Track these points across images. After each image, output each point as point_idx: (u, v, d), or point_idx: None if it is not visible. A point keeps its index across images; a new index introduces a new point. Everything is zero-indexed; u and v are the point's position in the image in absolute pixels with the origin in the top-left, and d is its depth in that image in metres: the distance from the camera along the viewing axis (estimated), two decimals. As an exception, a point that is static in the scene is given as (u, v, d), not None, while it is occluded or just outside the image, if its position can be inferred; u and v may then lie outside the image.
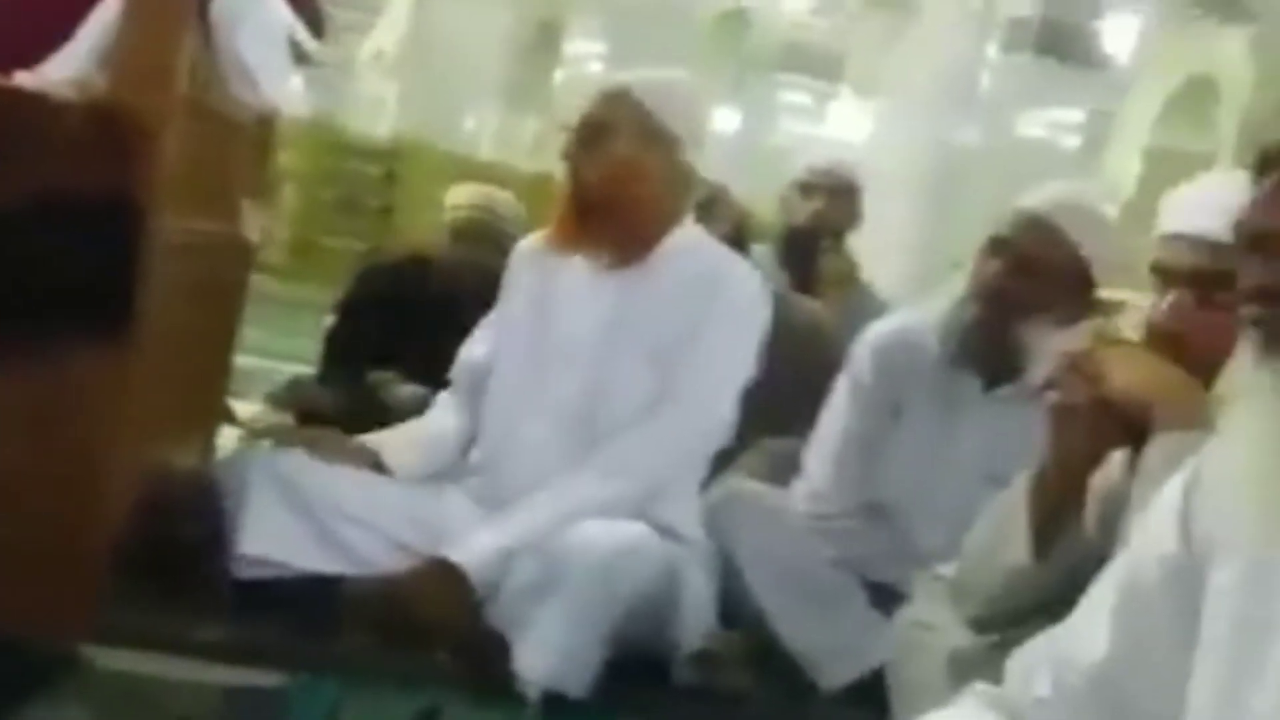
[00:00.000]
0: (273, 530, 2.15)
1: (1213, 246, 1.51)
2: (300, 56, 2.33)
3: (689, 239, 2.36)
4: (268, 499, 2.16)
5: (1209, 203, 1.52)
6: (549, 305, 2.36)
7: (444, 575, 2.10)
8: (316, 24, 2.44)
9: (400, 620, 2.08)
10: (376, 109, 12.48)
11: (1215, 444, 0.90)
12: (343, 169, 9.23)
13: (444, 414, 2.49)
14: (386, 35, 13.06)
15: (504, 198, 3.81)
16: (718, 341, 2.25)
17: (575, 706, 1.99)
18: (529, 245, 2.46)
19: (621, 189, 2.27)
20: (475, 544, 2.14)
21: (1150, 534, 1.05)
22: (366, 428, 2.52)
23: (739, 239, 3.06)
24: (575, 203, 2.33)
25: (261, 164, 2.80)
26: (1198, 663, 0.96)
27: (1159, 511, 1.05)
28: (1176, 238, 1.59)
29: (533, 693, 1.99)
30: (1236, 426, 0.87)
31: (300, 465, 2.25)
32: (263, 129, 2.61)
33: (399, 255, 4.32)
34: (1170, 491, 1.05)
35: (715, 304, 2.26)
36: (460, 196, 3.78)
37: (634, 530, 2.10)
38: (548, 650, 2.00)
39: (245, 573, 2.14)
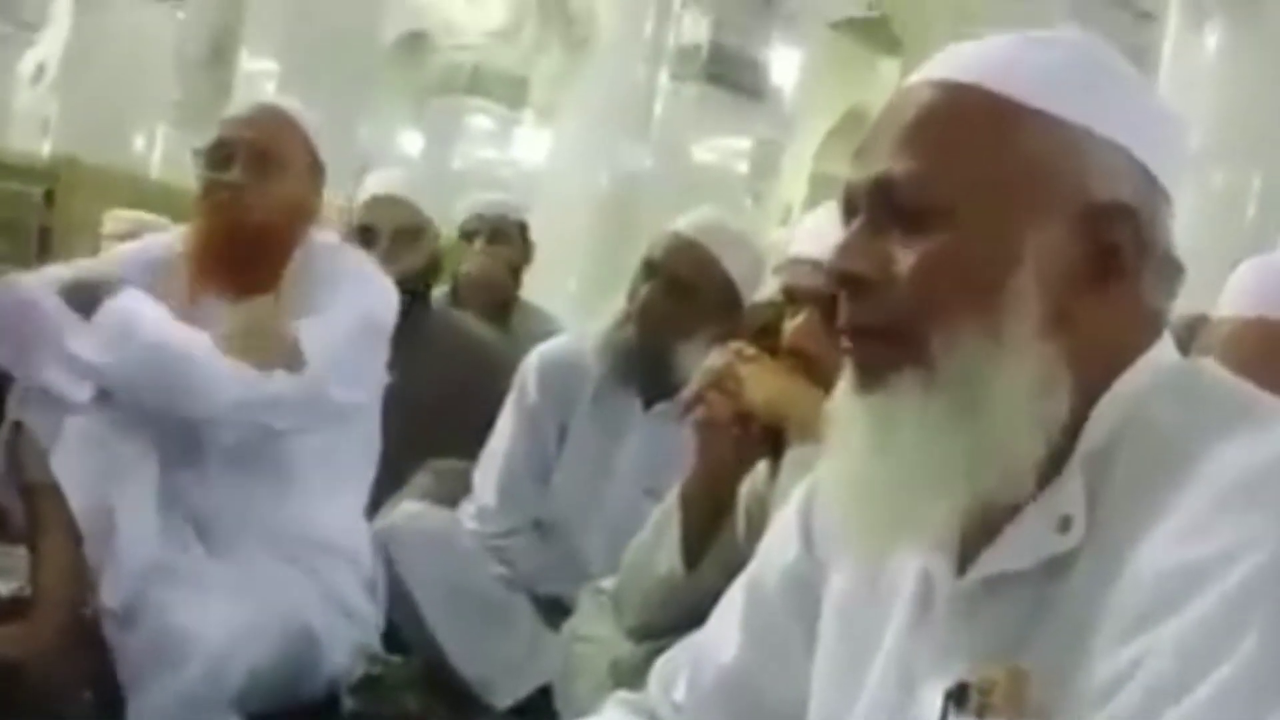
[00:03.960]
0: None
1: None
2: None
3: (321, 249, 2.26)
4: None
5: (831, 229, 1.61)
6: None
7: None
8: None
9: None
10: (40, 127, 11.74)
11: (826, 459, 0.94)
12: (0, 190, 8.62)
13: None
14: (49, 50, 12.37)
15: (158, 224, 3.67)
16: (331, 319, 2.13)
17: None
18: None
19: (234, 224, 2.18)
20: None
21: (776, 540, 1.10)
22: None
23: (432, 271, 3.05)
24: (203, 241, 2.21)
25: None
26: (817, 662, 1.00)
27: (784, 518, 1.10)
28: (802, 261, 1.68)
29: None
30: (837, 446, 0.91)
31: None
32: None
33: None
34: (794, 499, 1.10)
35: (336, 291, 2.18)
36: (113, 224, 3.63)
37: (248, 618, 2.00)
38: None
39: None
